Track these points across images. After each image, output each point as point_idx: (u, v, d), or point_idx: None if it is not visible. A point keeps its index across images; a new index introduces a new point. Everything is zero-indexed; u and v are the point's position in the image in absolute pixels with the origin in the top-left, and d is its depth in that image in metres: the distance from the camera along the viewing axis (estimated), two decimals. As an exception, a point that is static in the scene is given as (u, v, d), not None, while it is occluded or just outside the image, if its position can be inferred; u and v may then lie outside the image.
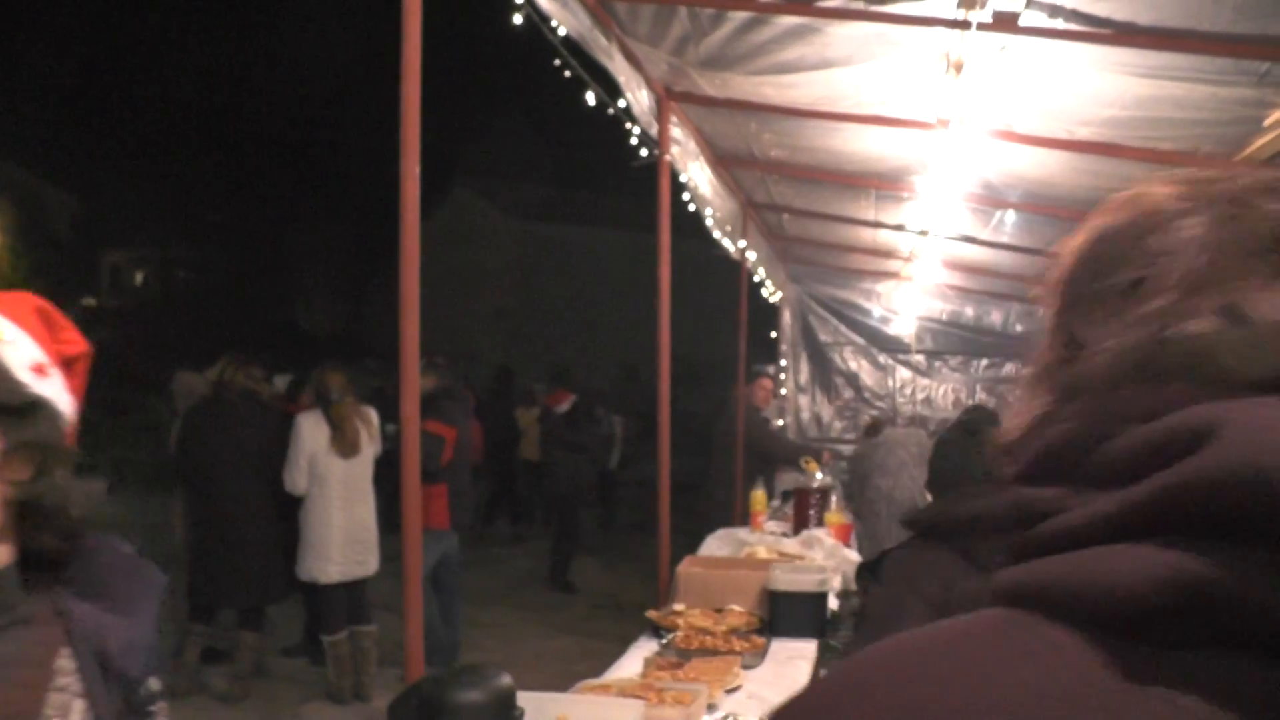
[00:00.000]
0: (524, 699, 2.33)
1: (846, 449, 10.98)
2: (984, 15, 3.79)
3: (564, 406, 11.77)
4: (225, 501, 7.23)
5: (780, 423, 11.16)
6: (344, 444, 7.09)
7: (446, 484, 7.41)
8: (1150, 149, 5.05)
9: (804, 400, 11.42)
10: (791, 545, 6.16)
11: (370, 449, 7.29)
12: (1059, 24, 3.81)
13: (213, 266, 38.60)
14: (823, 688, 0.73)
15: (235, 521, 7.21)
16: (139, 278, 41.93)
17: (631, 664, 4.27)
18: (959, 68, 4.31)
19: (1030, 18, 3.81)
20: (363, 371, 9.21)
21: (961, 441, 3.44)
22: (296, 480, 7.06)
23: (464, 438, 7.94)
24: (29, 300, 1.51)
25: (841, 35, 4.35)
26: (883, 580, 3.22)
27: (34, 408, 1.40)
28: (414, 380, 3.18)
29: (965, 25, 3.83)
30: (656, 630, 4.73)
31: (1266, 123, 4.34)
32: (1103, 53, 3.99)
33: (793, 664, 4.48)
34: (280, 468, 7.12)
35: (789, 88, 5.17)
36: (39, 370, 1.43)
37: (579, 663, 7.71)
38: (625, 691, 3.49)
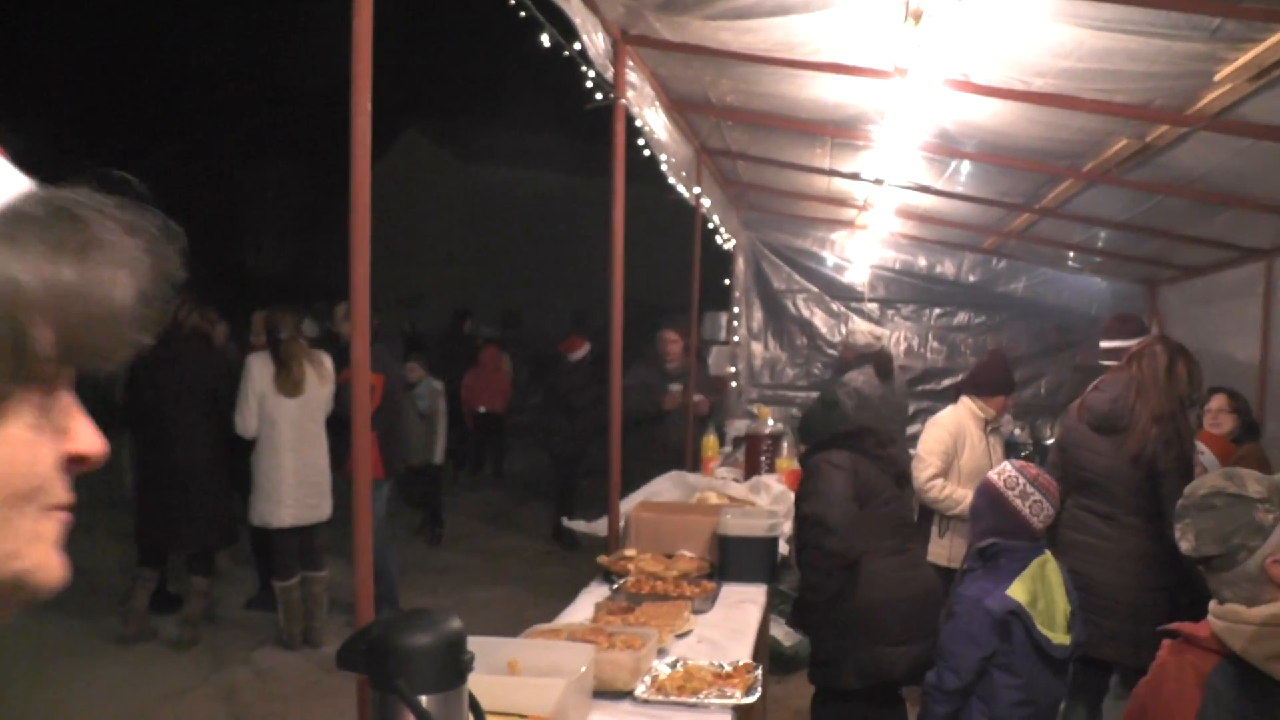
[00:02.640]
0: (474, 644, 2.32)
1: (799, 395, 11.06)
2: (944, -37, 3.77)
3: (579, 354, 10.99)
4: (175, 444, 7.17)
5: (732, 369, 11.20)
6: (289, 383, 7.04)
7: (377, 431, 7.29)
8: (1105, 101, 5.06)
9: (757, 347, 11.43)
10: (740, 488, 6.20)
11: (320, 391, 7.23)
12: (1018, -26, 3.80)
13: (158, 204, 37.82)
14: None
15: (184, 464, 7.16)
16: (82, 215, 41.12)
17: (582, 609, 4.30)
18: (918, 17, 4.29)
19: (989, -33, 3.79)
20: (312, 314, 9.11)
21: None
22: (247, 421, 7.02)
23: (394, 383, 7.87)
24: None
25: (800, -19, 4.32)
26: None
27: None
28: (364, 323, 3.15)
29: (925, -28, 3.81)
30: (607, 575, 4.75)
31: (1217, 77, 4.36)
32: (1060, 4, 3.98)
33: (742, 608, 4.52)
34: (230, 411, 7.07)
35: (746, 33, 5.12)
36: None
37: (530, 609, 7.74)
38: (576, 636, 3.50)
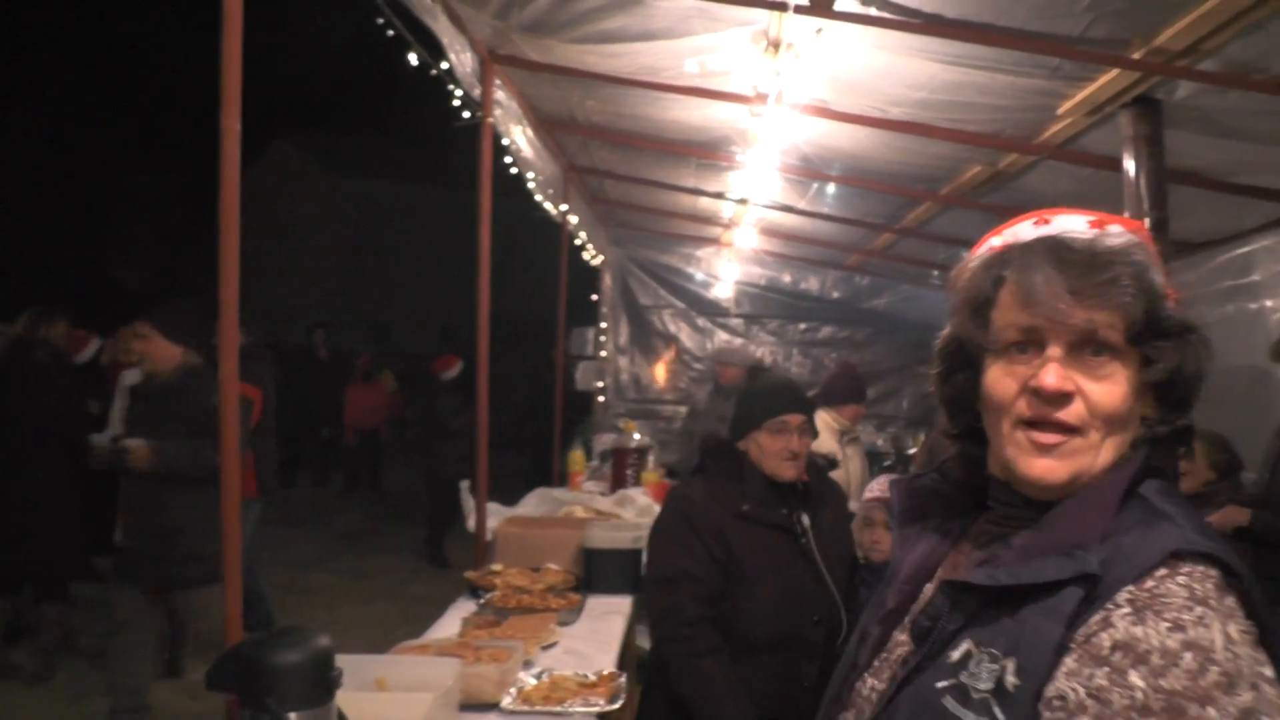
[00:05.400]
0: (342, 661, 2.37)
1: (666, 409, 11.22)
2: (801, -2, 3.93)
3: (453, 373, 11.07)
4: (24, 469, 6.84)
5: (600, 384, 11.30)
6: None
7: (253, 449, 7.17)
8: (958, 130, 5.30)
9: (624, 361, 11.54)
10: (605, 502, 6.29)
11: None
12: (871, 11, 3.97)
13: (15, 209, 36.43)
14: None
15: (35, 491, 6.84)
16: (-70, 220, 39.51)
17: (450, 625, 4.34)
18: (777, 46, 4.44)
19: (844, 3, 3.96)
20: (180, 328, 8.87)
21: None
22: (118, 442, 6.79)
23: (269, 400, 7.71)
24: None
25: (663, 8, 4.42)
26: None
27: None
28: (233, 340, 3.15)
29: (783, 7, 3.95)
30: (474, 590, 4.79)
31: (1059, 111, 4.62)
32: (912, 40, 4.17)
33: (608, 619, 4.60)
34: (85, 431, 6.86)
35: (611, 56, 5.22)
36: None
37: (399, 627, 7.70)
38: (443, 651, 3.55)
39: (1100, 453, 1.37)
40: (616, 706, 3.35)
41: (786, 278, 11.42)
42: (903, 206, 7.61)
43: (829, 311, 11.47)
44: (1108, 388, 1.36)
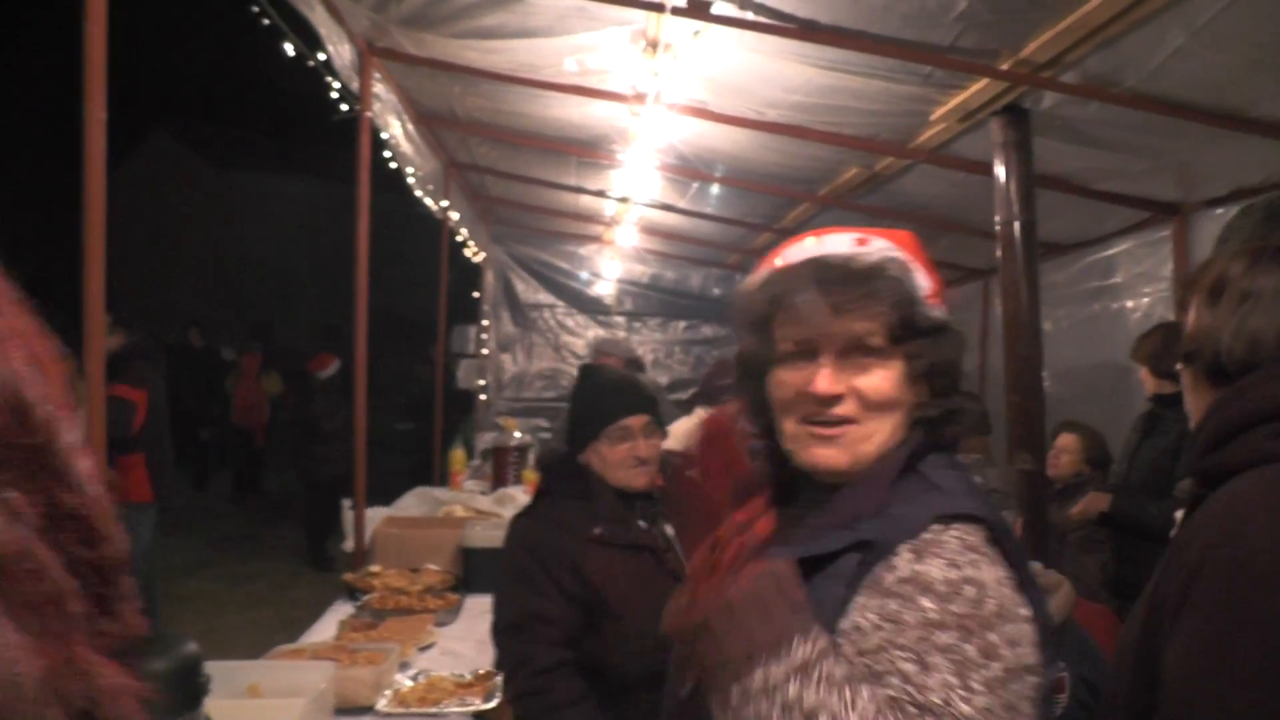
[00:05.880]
0: (214, 668, 2.32)
1: (547, 408, 11.20)
2: (679, 0, 3.96)
3: (329, 371, 10.89)
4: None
5: (481, 383, 11.22)
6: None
7: (144, 452, 6.98)
8: (833, 133, 5.38)
9: (505, 359, 11.48)
10: (485, 501, 6.27)
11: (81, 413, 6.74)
12: (748, 15, 4.03)
13: None
14: None
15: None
16: None
17: (327, 628, 4.29)
18: (655, 46, 4.47)
19: (721, 7, 4.00)
20: (51, 329, 8.51)
21: None
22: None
23: (158, 400, 7.47)
24: None
25: (543, 5, 4.43)
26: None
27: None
28: (99, 339, 3.06)
29: (660, 8, 3.98)
30: (353, 593, 4.74)
31: (932, 117, 4.74)
32: (788, 44, 4.23)
33: (486, 619, 4.55)
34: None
35: (491, 53, 5.20)
36: None
37: (279, 632, 7.55)
38: (318, 655, 3.51)
39: (876, 438, 1.55)
40: (492, 706, 3.35)
41: (669, 275, 11.49)
42: (782, 207, 7.71)
43: (711, 309, 11.55)
44: (876, 382, 1.55)
